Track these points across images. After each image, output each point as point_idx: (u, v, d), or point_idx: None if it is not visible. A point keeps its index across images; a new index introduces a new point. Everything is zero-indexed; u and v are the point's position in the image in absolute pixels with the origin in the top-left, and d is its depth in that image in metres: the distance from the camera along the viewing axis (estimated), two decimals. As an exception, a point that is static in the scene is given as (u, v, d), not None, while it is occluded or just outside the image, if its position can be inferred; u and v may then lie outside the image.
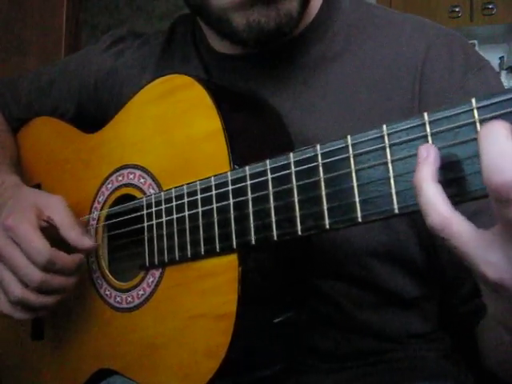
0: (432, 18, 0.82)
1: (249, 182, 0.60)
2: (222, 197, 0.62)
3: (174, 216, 0.68)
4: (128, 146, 0.78)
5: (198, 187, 0.65)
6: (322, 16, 0.80)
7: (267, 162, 0.58)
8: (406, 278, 0.75)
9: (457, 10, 3.01)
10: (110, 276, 0.79)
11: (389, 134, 0.48)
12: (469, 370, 0.77)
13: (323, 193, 0.53)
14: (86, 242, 0.75)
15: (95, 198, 0.81)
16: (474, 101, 0.42)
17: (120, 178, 0.78)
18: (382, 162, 0.48)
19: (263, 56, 0.80)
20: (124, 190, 0.77)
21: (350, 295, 0.74)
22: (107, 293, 0.78)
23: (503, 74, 3.15)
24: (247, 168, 0.60)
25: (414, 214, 0.72)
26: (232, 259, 0.62)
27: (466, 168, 0.43)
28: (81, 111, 0.98)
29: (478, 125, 0.42)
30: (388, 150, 0.48)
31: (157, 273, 0.71)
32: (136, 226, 0.74)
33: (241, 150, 0.64)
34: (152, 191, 0.72)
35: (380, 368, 0.75)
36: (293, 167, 0.56)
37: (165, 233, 0.69)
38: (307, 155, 0.55)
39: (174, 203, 0.68)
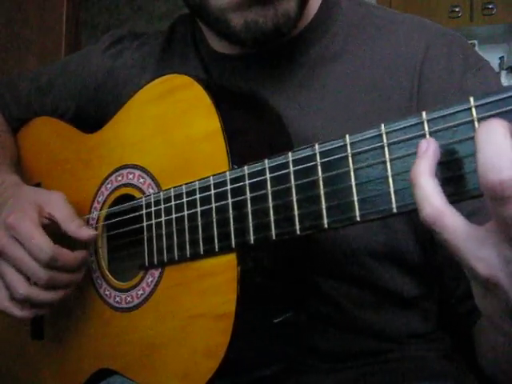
0: (432, 18, 0.82)
1: (247, 182, 0.60)
2: (220, 196, 0.62)
3: (173, 216, 0.68)
4: (127, 146, 0.78)
5: (197, 187, 0.65)
6: (321, 16, 0.80)
7: (266, 161, 0.58)
8: (405, 278, 0.75)
9: (457, 10, 3.02)
10: (110, 276, 0.79)
11: (387, 133, 0.48)
12: (469, 370, 0.77)
13: (321, 192, 0.53)
14: (85, 232, 0.76)
15: (95, 197, 0.82)
16: (472, 99, 0.42)
17: (119, 178, 0.78)
18: (381, 161, 0.48)
19: (262, 56, 0.80)
20: (123, 190, 0.77)
21: (349, 295, 0.74)
22: (107, 293, 0.78)
23: (503, 73, 3.15)
24: (246, 167, 0.60)
25: (413, 214, 0.73)
26: (231, 259, 0.62)
27: (464, 167, 0.43)
28: (80, 111, 0.98)
29: (476, 123, 0.42)
30: (386, 149, 0.48)
31: (156, 272, 0.71)
32: (135, 226, 0.74)
33: (240, 149, 0.64)
34: (151, 191, 0.72)
35: (380, 368, 0.75)
36: (291, 166, 0.56)
37: (164, 232, 0.69)
38: (305, 154, 0.55)
39: (173, 203, 0.68)
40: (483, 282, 0.42)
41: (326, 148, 0.53)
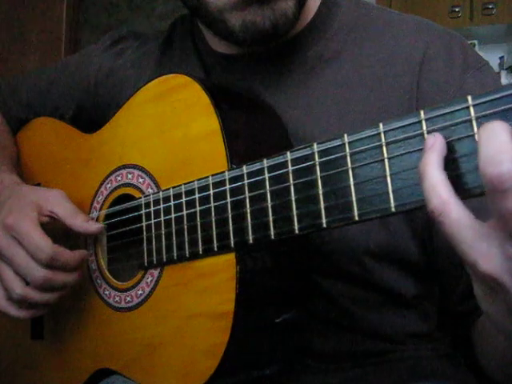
0: (432, 18, 0.82)
1: (246, 181, 0.60)
2: (219, 196, 0.63)
3: (172, 215, 0.68)
4: (127, 146, 0.78)
5: (196, 186, 0.65)
6: (320, 16, 0.80)
7: (264, 160, 0.58)
8: (405, 278, 0.75)
9: (457, 10, 3.02)
10: (109, 276, 0.79)
11: (385, 132, 0.48)
12: (469, 370, 0.77)
13: (320, 191, 0.53)
14: (94, 225, 0.76)
15: (94, 197, 0.82)
16: (469, 98, 0.42)
17: (119, 178, 0.78)
18: (379, 160, 0.48)
19: (262, 56, 0.80)
20: (123, 190, 0.77)
21: (348, 295, 0.74)
22: (106, 292, 0.78)
23: (503, 73, 3.15)
24: (244, 167, 0.60)
25: (411, 213, 0.73)
26: (230, 258, 0.62)
27: (462, 166, 0.43)
28: (80, 111, 0.98)
29: (474, 122, 0.42)
30: (384, 148, 0.48)
31: (155, 272, 0.71)
32: (135, 226, 0.74)
33: (238, 149, 0.64)
34: (150, 191, 0.73)
35: (380, 368, 0.75)
36: (290, 166, 0.56)
37: (163, 232, 0.69)
38: (304, 154, 0.55)
39: (172, 202, 0.68)
40: (485, 278, 0.42)
41: (325, 147, 0.53)
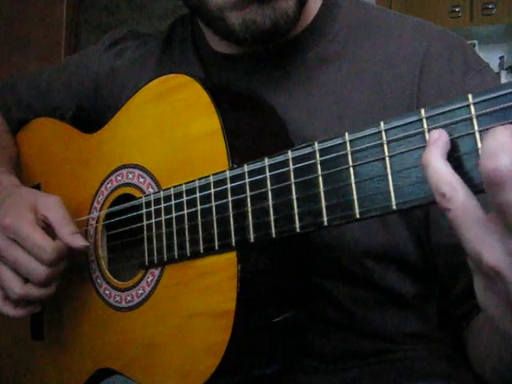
0: (432, 18, 0.83)
1: (247, 180, 0.60)
2: (220, 195, 0.63)
3: (173, 215, 0.68)
4: (127, 146, 0.78)
5: (197, 185, 0.65)
6: (321, 17, 0.80)
7: (265, 159, 0.58)
8: (404, 278, 0.75)
9: (457, 10, 3.02)
10: (110, 275, 0.79)
11: (386, 131, 0.48)
12: (469, 370, 0.77)
13: (321, 190, 0.53)
14: (78, 241, 0.74)
15: (95, 197, 0.82)
16: (470, 96, 0.42)
17: (119, 178, 0.78)
18: (380, 159, 0.48)
19: (262, 56, 0.80)
20: (123, 190, 0.77)
21: (348, 295, 0.74)
22: (107, 292, 0.78)
23: (503, 73, 3.16)
24: (245, 166, 0.60)
25: (409, 213, 0.73)
26: (231, 257, 0.62)
27: (463, 163, 0.43)
28: (80, 112, 0.98)
29: (474, 120, 0.42)
30: (386, 147, 0.48)
31: (156, 272, 0.71)
32: (135, 225, 0.74)
33: (239, 148, 0.64)
34: (151, 190, 0.73)
35: (379, 368, 0.75)
36: (291, 164, 0.56)
37: (164, 232, 0.69)
38: (305, 152, 0.55)
39: (173, 202, 0.68)
40: (487, 271, 0.42)
41: (326, 146, 0.53)
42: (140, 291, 0.73)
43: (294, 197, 0.55)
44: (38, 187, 0.93)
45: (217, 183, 0.63)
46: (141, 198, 0.73)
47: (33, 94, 1.02)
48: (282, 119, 0.72)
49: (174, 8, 3.81)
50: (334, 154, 0.52)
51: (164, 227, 0.69)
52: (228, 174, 0.62)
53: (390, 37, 0.78)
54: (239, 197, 0.61)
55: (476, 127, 0.42)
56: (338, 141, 0.52)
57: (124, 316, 0.75)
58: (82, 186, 0.84)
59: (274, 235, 0.57)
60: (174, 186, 0.68)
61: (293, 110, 0.76)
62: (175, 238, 0.68)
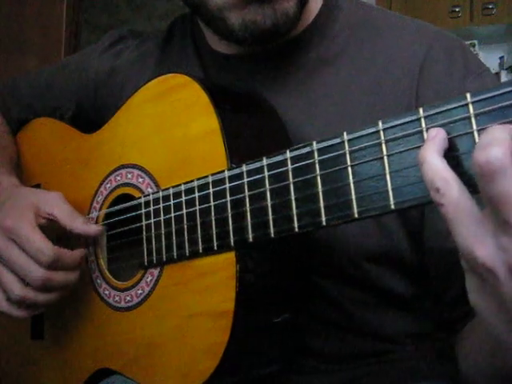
0: (432, 18, 0.83)
1: (246, 180, 0.60)
2: (219, 195, 0.63)
3: (172, 215, 0.68)
4: (126, 146, 0.78)
5: (196, 185, 0.65)
6: (321, 18, 0.80)
7: (264, 159, 0.58)
8: (402, 279, 0.75)
9: (457, 10, 3.02)
10: (109, 275, 0.79)
11: (384, 130, 0.48)
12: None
13: (320, 190, 0.53)
14: (93, 227, 0.77)
15: (94, 197, 0.82)
16: (468, 95, 0.42)
17: (118, 178, 0.78)
18: (378, 158, 0.48)
19: (262, 56, 0.80)
20: (122, 190, 0.77)
21: (347, 296, 0.74)
22: (106, 292, 0.78)
23: (503, 73, 3.16)
24: (244, 166, 0.60)
25: (406, 214, 0.72)
26: (230, 257, 0.62)
27: (462, 163, 0.43)
28: (80, 112, 0.98)
29: (473, 119, 0.42)
30: (384, 146, 0.48)
31: (155, 272, 0.71)
32: (134, 225, 0.74)
33: (238, 148, 0.64)
34: (150, 190, 0.73)
35: (378, 368, 0.75)
36: (289, 164, 0.56)
37: (163, 232, 0.69)
38: (303, 152, 0.55)
39: (172, 202, 0.68)
40: (479, 268, 0.42)
41: (324, 145, 0.53)
42: (139, 291, 0.73)
43: (293, 197, 0.55)
44: (37, 187, 0.92)
45: (215, 183, 0.63)
46: (140, 198, 0.73)
47: (32, 93, 1.02)
48: (282, 119, 0.72)
49: (174, 8, 3.81)
50: (332, 154, 0.52)
51: (163, 227, 0.69)
52: (226, 173, 0.62)
53: (391, 38, 0.78)
54: (238, 197, 0.61)
55: (474, 126, 0.42)
56: (336, 140, 0.52)
57: (123, 316, 0.75)
58: (82, 186, 0.84)
59: (272, 235, 0.57)
60: (173, 186, 0.68)
61: (292, 110, 0.76)
62: (174, 238, 0.68)
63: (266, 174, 0.58)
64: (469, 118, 0.42)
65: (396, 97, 0.74)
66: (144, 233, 0.72)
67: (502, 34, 3.18)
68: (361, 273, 0.73)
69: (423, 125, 0.45)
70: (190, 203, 0.66)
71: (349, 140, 0.51)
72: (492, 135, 0.38)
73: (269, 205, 0.57)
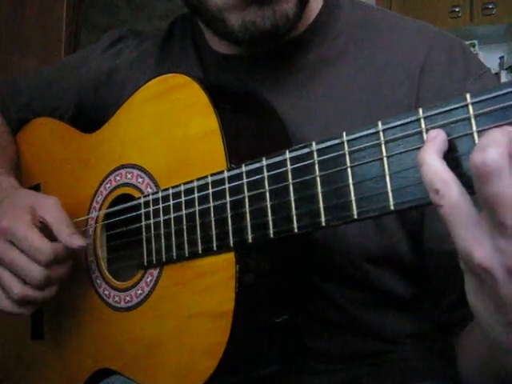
0: (432, 18, 0.83)
1: (245, 180, 0.60)
2: (218, 195, 0.62)
3: (172, 215, 0.68)
4: (126, 146, 0.78)
5: (195, 186, 0.65)
6: (322, 18, 0.80)
7: (263, 159, 0.58)
8: (401, 279, 0.74)
9: (457, 10, 3.02)
10: (109, 276, 0.79)
11: (384, 131, 0.48)
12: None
13: (319, 190, 0.53)
14: (76, 241, 0.74)
15: (94, 197, 0.82)
16: (468, 96, 0.42)
17: (118, 178, 0.78)
18: (378, 159, 0.48)
19: (262, 57, 0.80)
20: (122, 190, 0.77)
21: (347, 296, 0.74)
22: (106, 292, 0.78)
23: (503, 73, 3.16)
24: (243, 166, 0.60)
25: (406, 215, 0.72)
26: (229, 257, 0.62)
27: (462, 164, 0.43)
28: (80, 111, 0.98)
29: (472, 120, 0.42)
30: (383, 147, 0.48)
31: (155, 272, 0.71)
32: (134, 226, 0.74)
33: (238, 149, 0.64)
34: (150, 190, 0.72)
35: (379, 369, 0.75)
36: (289, 165, 0.56)
37: (162, 232, 0.69)
38: (303, 152, 0.55)
39: (171, 202, 0.68)
40: (477, 269, 0.42)
41: (323, 146, 0.53)
42: (139, 291, 0.73)
43: (292, 197, 0.55)
44: (37, 187, 0.93)
45: (215, 183, 0.63)
46: (139, 198, 0.73)
47: (32, 93, 1.02)
48: (282, 120, 0.72)
49: (174, 8, 3.81)
50: (332, 155, 0.52)
51: (162, 228, 0.69)
52: (226, 174, 0.62)
53: (391, 39, 0.77)
54: (237, 197, 0.60)
55: (474, 127, 0.42)
56: (336, 141, 0.52)
57: (123, 316, 0.75)
58: (82, 186, 0.84)
59: (271, 236, 0.57)
60: (173, 187, 0.68)
61: (292, 110, 0.76)
62: (173, 239, 0.68)
63: (266, 174, 0.58)
64: (469, 118, 0.42)
65: (396, 97, 0.73)
66: (144, 233, 0.72)
67: (501, 34, 3.18)
68: (360, 273, 0.73)
69: (423, 125, 0.45)
70: (190, 204, 0.66)
71: (348, 141, 0.51)
72: (490, 137, 0.38)
73: (268, 205, 0.57)
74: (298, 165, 0.55)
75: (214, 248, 0.63)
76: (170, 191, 0.68)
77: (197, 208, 0.65)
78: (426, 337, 0.77)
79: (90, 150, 0.85)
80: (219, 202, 0.62)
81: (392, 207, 0.47)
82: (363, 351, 0.75)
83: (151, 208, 0.71)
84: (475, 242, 0.41)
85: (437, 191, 0.42)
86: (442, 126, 0.44)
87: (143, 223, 0.72)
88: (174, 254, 0.67)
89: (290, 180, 0.55)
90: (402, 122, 0.47)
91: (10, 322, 0.94)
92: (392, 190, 0.47)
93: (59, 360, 0.85)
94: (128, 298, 0.74)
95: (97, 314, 0.79)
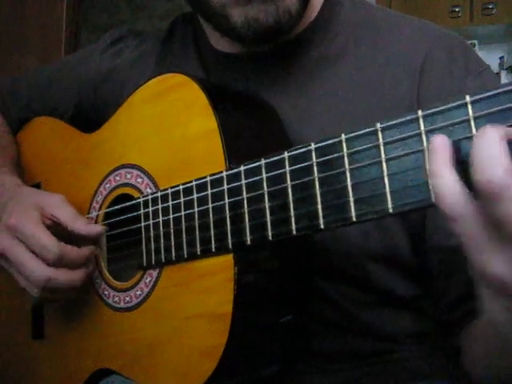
0: (432, 18, 0.83)
1: (244, 181, 0.60)
2: (217, 196, 0.62)
3: (171, 216, 0.68)
4: (126, 146, 0.78)
5: (194, 186, 0.65)
6: (323, 16, 0.80)
7: (262, 160, 0.58)
8: (402, 279, 0.74)
9: (457, 10, 3.02)
10: (109, 276, 0.79)
11: (383, 132, 0.48)
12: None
13: (318, 192, 0.53)
14: (95, 228, 0.77)
15: (94, 197, 0.82)
16: (467, 97, 0.42)
17: (118, 178, 0.78)
18: (377, 161, 0.48)
19: (263, 56, 0.79)
20: (122, 190, 0.77)
21: (348, 296, 0.74)
22: (106, 293, 0.78)
23: (503, 73, 3.15)
24: (242, 166, 0.60)
25: (408, 215, 0.72)
26: (228, 259, 0.62)
27: (464, 166, 0.43)
28: (80, 111, 0.98)
29: (472, 121, 0.42)
30: (382, 149, 0.48)
31: (154, 273, 0.71)
32: (133, 226, 0.74)
33: (237, 149, 0.64)
34: (149, 191, 0.72)
35: (379, 368, 0.75)
36: (287, 166, 0.56)
37: (161, 233, 0.69)
38: (302, 153, 0.55)
39: (171, 203, 0.68)
40: (491, 280, 0.42)
41: (322, 147, 0.53)
42: (138, 292, 0.73)
43: (291, 199, 0.55)
44: (37, 186, 0.92)
45: (213, 184, 0.63)
46: (139, 198, 0.73)
47: (32, 93, 1.02)
48: (281, 120, 0.72)
49: (174, 8, 3.81)
50: (331, 156, 0.52)
51: (161, 228, 0.69)
52: (225, 174, 0.62)
53: (391, 37, 0.77)
54: (236, 198, 0.60)
55: (474, 129, 0.42)
56: (335, 142, 0.51)
57: (123, 317, 0.75)
58: (82, 186, 0.84)
59: (270, 237, 0.57)
60: (172, 187, 0.68)
61: (292, 111, 0.76)
62: (172, 240, 0.67)
63: (264, 175, 0.58)
64: (468, 120, 0.42)
65: (397, 96, 0.73)
66: (143, 233, 0.72)
67: (501, 34, 3.18)
68: (361, 273, 0.73)
69: (422, 127, 0.45)
70: (189, 204, 0.66)
71: (347, 142, 0.50)
72: (489, 152, 0.38)
73: (267, 207, 0.57)
74: (297, 166, 0.55)
75: (213, 249, 0.63)
76: (169, 191, 0.68)
77: (196, 209, 0.65)
78: (427, 337, 0.77)
79: (90, 149, 0.85)
80: (218, 204, 0.62)
81: (391, 210, 0.46)
82: (364, 351, 0.75)
83: (150, 208, 0.71)
84: (490, 255, 0.41)
85: (455, 208, 0.42)
86: (441, 128, 0.44)
87: (142, 224, 0.72)
88: (173, 254, 0.67)
89: (289, 182, 0.55)
90: (401, 123, 0.46)
91: (11, 321, 0.94)
92: (391, 193, 0.47)
93: (59, 360, 0.85)
94: (128, 299, 0.74)
95: (97, 314, 0.79)
